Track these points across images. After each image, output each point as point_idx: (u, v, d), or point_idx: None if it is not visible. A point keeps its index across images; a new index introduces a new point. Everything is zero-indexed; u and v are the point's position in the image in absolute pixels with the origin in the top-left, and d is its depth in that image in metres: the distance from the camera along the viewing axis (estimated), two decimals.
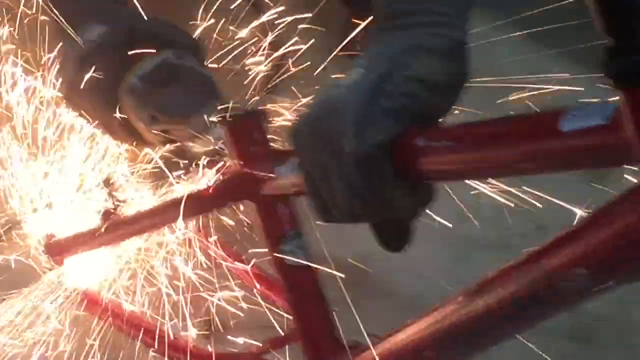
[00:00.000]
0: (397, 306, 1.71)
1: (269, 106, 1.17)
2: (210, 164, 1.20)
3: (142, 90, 1.27)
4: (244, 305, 1.69)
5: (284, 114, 1.25)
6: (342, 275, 1.14)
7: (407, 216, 0.79)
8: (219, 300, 1.58)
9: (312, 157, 0.80)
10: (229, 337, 1.65)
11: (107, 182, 1.29)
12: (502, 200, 1.07)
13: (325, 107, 0.80)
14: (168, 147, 1.30)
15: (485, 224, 1.79)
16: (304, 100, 1.21)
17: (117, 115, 1.29)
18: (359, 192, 0.76)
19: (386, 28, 0.82)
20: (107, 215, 1.28)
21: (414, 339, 0.91)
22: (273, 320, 1.64)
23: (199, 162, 1.22)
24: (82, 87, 1.29)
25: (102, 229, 1.26)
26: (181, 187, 1.21)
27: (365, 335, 1.18)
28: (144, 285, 1.49)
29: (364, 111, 0.76)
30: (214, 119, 1.16)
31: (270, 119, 1.15)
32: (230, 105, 1.13)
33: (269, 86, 1.26)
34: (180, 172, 1.24)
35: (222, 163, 1.16)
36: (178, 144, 1.28)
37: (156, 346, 1.47)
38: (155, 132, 1.28)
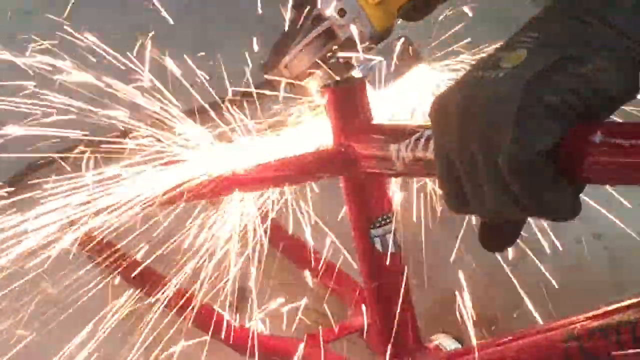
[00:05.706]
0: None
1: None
2: None
3: None
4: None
5: None
6: None
7: (563, 218, 0.71)
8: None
9: (459, 143, 0.71)
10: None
11: None
12: None
13: (481, 91, 0.70)
14: None
15: None
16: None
17: None
18: (515, 195, 0.68)
19: (572, 16, 0.71)
20: None
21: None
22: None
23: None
24: None
25: None
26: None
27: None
28: None
29: (526, 108, 0.67)
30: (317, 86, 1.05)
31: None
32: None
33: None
34: None
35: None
36: None
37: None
38: None
